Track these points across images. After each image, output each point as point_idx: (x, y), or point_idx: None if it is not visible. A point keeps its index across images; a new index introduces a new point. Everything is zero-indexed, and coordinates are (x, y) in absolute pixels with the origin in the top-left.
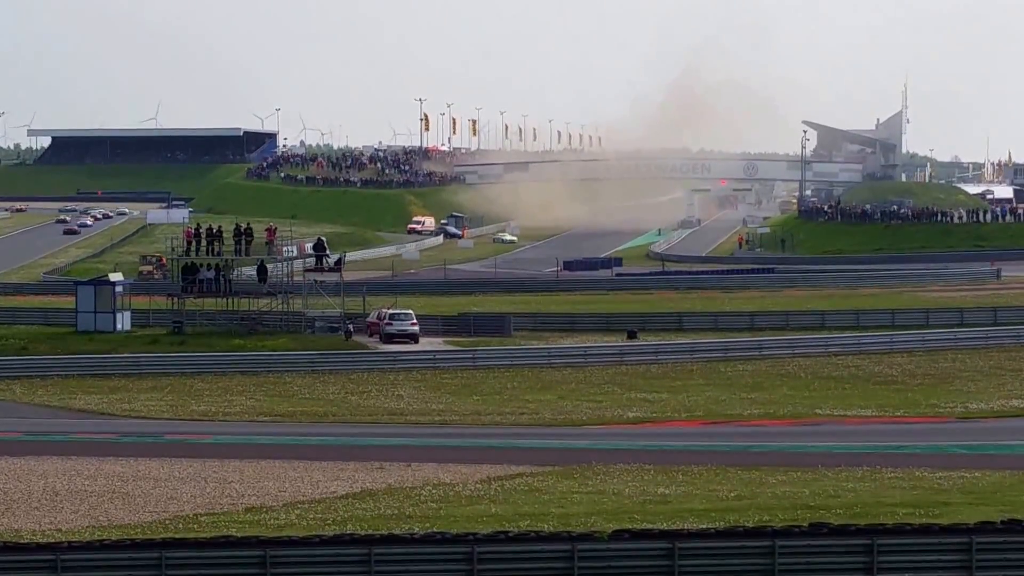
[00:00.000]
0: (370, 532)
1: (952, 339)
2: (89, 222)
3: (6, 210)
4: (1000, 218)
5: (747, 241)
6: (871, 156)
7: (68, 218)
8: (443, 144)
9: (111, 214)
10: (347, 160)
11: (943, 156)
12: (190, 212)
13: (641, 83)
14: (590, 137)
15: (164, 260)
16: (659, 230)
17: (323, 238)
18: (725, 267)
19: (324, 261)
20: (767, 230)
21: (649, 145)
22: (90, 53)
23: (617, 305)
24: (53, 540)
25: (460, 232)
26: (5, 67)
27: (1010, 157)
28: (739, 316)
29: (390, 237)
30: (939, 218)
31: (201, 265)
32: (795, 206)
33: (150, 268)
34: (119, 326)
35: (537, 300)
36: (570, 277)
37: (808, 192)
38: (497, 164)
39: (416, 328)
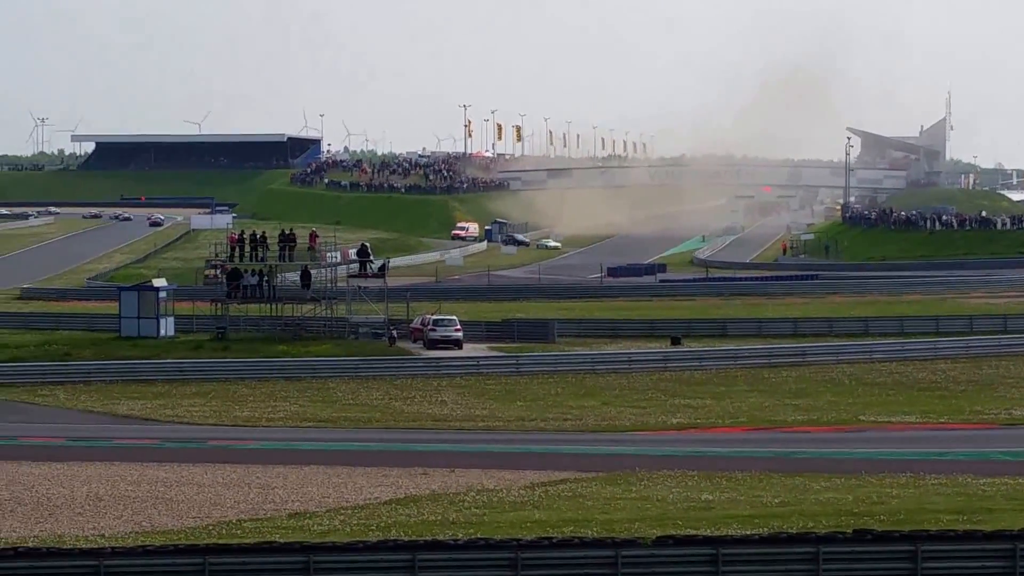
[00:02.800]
0: (414, 538)
1: (996, 345)
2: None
3: (48, 214)
4: None
5: (791, 247)
6: (915, 163)
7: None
8: (487, 150)
9: (129, 217)
10: (391, 166)
11: (987, 163)
12: (234, 218)
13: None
14: (634, 144)
15: (227, 266)
16: (703, 236)
17: (367, 244)
18: (769, 273)
19: (368, 267)
20: (811, 236)
21: (705, 149)
22: (134, 59)
23: (661, 311)
24: (96, 546)
25: (527, 240)
26: (50, 73)
27: None
28: (783, 322)
29: (434, 243)
30: (983, 225)
31: (245, 271)
32: (839, 212)
33: (214, 272)
34: (163, 332)
35: (581, 306)
36: (614, 283)
37: (852, 199)
38: (541, 170)
39: (460, 334)
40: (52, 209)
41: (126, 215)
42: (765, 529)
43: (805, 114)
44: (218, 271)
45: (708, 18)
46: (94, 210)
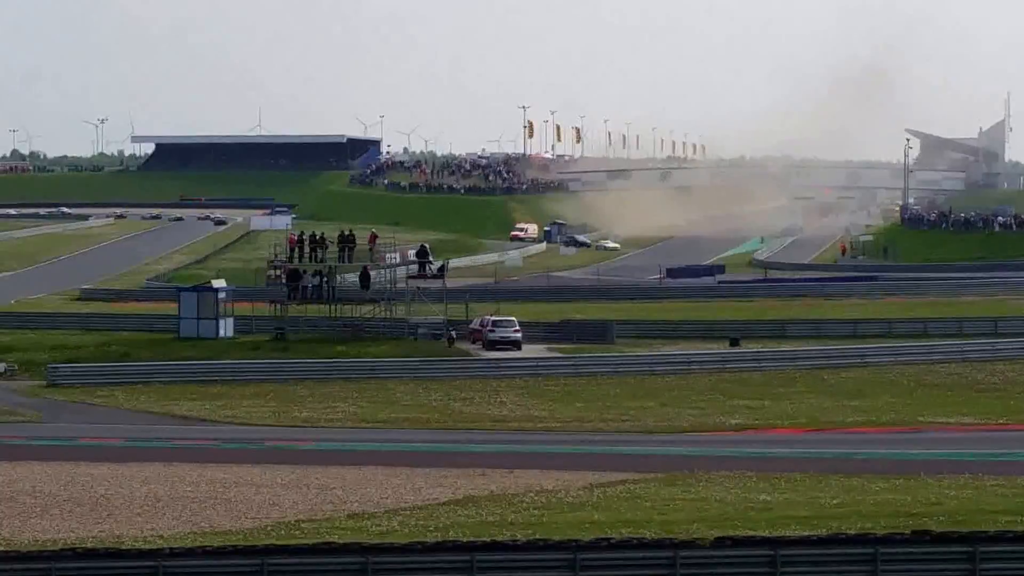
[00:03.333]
0: (472, 539)
1: None
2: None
3: (107, 216)
4: None
5: (850, 249)
6: (974, 164)
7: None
8: (546, 151)
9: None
10: (450, 167)
11: None
12: (293, 219)
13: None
14: (694, 145)
15: (289, 267)
16: (761, 238)
17: (426, 245)
18: (828, 275)
19: (427, 268)
20: (870, 238)
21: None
22: (193, 59)
23: (720, 312)
24: (154, 547)
25: (588, 241)
26: (109, 73)
27: None
28: (842, 324)
29: (493, 244)
30: None
31: (305, 271)
32: (898, 214)
33: (277, 273)
34: (221, 332)
35: (639, 307)
36: (672, 284)
37: (911, 200)
38: (600, 171)
39: (519, 335)
40: (117, 211)
41: (178, 216)
42: (823, 530)
43: (868, 115)
44: (280, 272)
45: (779, 18)
46: (155, 211)
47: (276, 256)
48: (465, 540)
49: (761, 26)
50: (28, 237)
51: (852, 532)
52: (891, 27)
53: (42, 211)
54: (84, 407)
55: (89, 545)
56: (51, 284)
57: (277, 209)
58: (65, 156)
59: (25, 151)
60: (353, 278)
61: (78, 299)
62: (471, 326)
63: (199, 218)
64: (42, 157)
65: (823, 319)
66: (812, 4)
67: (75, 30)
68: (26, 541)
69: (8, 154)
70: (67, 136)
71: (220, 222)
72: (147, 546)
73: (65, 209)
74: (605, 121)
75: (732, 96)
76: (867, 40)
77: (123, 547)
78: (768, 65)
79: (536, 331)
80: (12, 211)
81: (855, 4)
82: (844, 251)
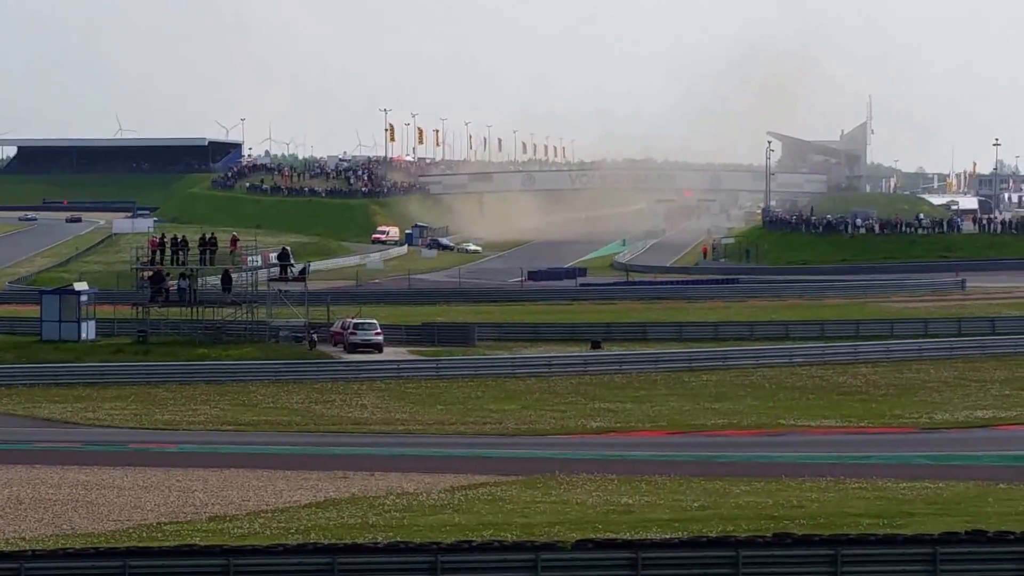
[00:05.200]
0: (334, 541)
1: (916, 350)
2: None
3: None
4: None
5: (711, 251)
6: (836, 167)
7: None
8: (408, 154)
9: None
10: (312, 170)
11: (908, 167)
12: (155, 222)
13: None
14: (555, 148)
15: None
16: (624, 241)
17: (288, 248)
18: (690, 277)
19: (288, 270)
20: (732, 241)
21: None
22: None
23: (581, 315)
24: (17, 548)
25: (452, 244)
26: None
27: (975, 168)
28: (703, 326)
29: (354, 247)
30: (904, 229)
31: (167, 274)
32: (759, 217)
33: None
34: (84, 335)
35: (501, 310)
36: (534, 287)
37: (773, 203)
38: (461, 174)
39: (380, 338)
40: None
41: (32, 216)
42: (685, 533)
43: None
44: (150, 274)
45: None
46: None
47: (138, 259)
48: (327, 542)
49: (620, 29)
50: None
51: (714, 535)
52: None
53: None
54: None
55: None
56: None
57: (139, 212)
58: None
59: None
60: (214, 281)
61: None
62: (332, 329)
63: (68, 220)
64: None
65: (685, 322)
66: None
67: None
68: None
69: None
70: None
71: (75, 219)
72: (9, 548)
73: None
74: (466, 124)
75: (593, 98)
76: (733, 48)
77: None
78: (628, 67)
79: (398, 334)
80: None
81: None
82: (706, 253)
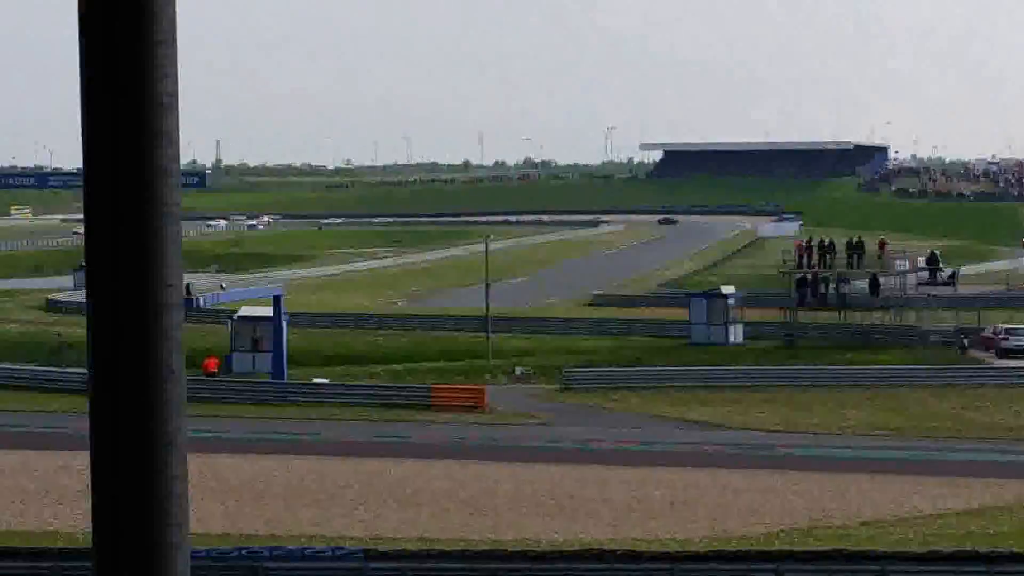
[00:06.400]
0: (990, 549)
1: None
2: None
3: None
4: None
5: None
6: None
7: None
8: None
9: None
10: (959, 173)
11: None
12: (800, 225)
13: None
14: None
15: (820, 273)
16: None
17: (936, 251)
18: None
19: (937, 274)
20: None
21: None
22: (701, 67)
23: None
24: (669, 550)
25: None
26: (618, 85)
27: None
28: None
29: (1004, 251)
30: None
31: (820, 279)
32: None
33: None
34: (731, 338)
35: None
36: None
37: None
38: None
39: None
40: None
41: (674, 218)
42: None
43: None
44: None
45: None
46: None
47: (784, 263)
48: (984, 550)
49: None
50: (539, 244)
51: None
52: None
53: (545, 218)
54: (597, 411)
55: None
56: (560, 289)
57: (784, 216)
58: (576, 163)
59: (537, 159)
60: (862, 285)
61: (590, 304)
62: (983, 334)
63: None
64: (553, 165)
65: None
66: None
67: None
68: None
69: (521, 161)
70: (579, 145)
71: (669, 221)
72: (663, 550)
73: (544, 217)
74: None
75: None
76: None
77: (638, 550)
78: None
79: None
80: (512, 218)
81: None
82: None
